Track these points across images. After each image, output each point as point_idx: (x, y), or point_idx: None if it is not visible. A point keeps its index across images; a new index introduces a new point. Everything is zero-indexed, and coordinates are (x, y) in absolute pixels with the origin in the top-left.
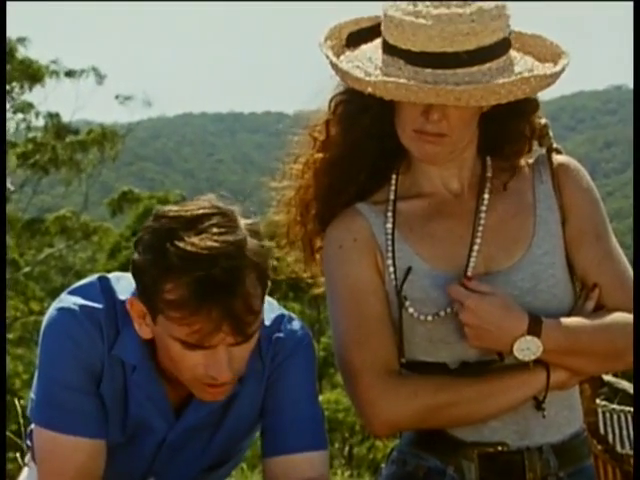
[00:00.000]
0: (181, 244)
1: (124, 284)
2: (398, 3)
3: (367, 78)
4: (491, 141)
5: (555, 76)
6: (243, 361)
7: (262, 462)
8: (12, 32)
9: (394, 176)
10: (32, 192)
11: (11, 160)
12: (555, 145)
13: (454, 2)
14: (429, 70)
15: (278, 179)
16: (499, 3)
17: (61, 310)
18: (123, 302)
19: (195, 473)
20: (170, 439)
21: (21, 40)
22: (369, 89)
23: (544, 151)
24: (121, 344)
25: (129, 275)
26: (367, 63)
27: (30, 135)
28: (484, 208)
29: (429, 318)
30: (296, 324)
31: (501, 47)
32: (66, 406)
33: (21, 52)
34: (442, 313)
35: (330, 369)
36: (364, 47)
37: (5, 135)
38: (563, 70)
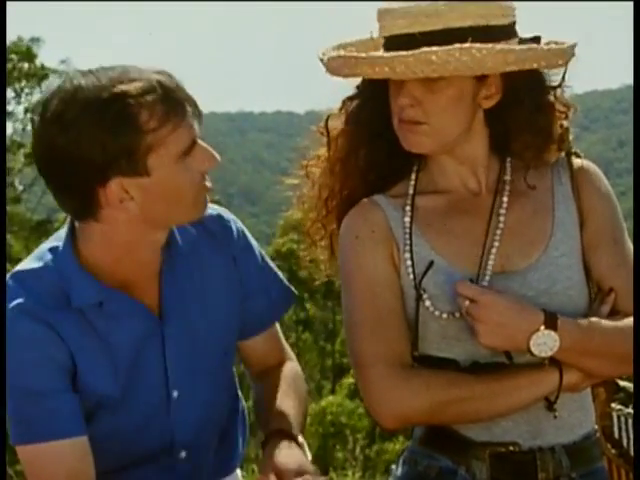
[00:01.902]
0: (117, 85)
1: (28, 261)
2: None
3: (323, 57)
4: (504, 139)
5: (510, 53)
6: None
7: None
8: (26, 32)
9: (414, 171)
10: (41, 192)
11: (18, 160)
12: (574, 149)
13: None
14: (394, 52)
15: (292, 177)
16: None
17: (7, 326)
18: (36, 270)
19: (209, 366)
20: (167, 334)
21: (34, 40)
22: (325, 69)
23: (563, 154)
24: (75, 296)
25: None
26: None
27: None
28: (503, 211)
29: (444, 315)
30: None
31: (481, 34)
32: (38, 414)
33: (34, 52)
34: (457, 314)
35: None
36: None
37: (5, 135)
38: (529, 54)
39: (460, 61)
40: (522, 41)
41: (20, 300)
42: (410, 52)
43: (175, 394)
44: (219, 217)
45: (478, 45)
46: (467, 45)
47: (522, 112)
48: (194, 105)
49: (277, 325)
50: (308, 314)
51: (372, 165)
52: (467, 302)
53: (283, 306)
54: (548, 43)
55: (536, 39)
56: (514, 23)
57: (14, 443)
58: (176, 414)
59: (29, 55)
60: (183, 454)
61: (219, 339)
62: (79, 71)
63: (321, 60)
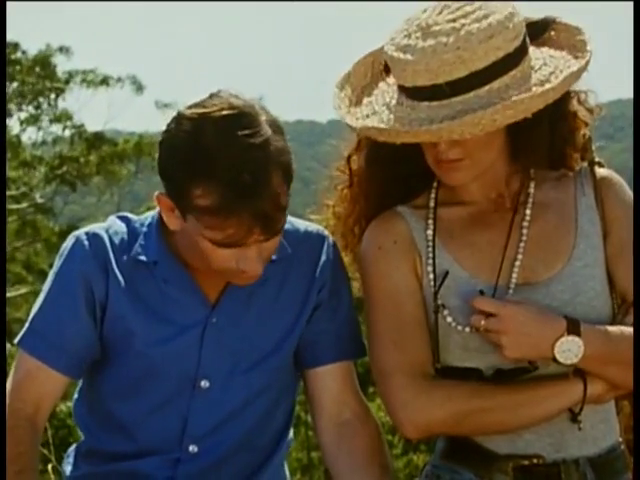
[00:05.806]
0: (207, 149)
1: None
2: (394, 35)
3: (353, 123)
4: (526, 150)
5: (549, 92)
6: (272, 251)
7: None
8: (55, 41)
9: (435, 182)
10: (63, 203)
11: (39, 175)
12: (597, 159)
13: (443, 29)
14: (425, 103)
15: (317, 210)
16: (493, 21)
17: (72, 243)
18: (135, 221)
19: (244, 367)
20: (213, 321)
21: (64, 49)
22: (355, 135)
23: (586, 164)
24: (139, 246)
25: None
26: (380, 98)
27: (57, 148)
28: (526, 224)
29: (467, 329)
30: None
31: (502, 66)
32: (47, 333)
33: (62, 61)
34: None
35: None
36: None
37: (5, 136)
38: (565, 83)
39: (504, 115)
40: (534, 31)
41: (96, 231)
42: (455, 122)
43: (205, 384)
44: (330, 244)
45: (519, 97)
46: (509, 102)
47: (544, 122)
48: (269, 218)
49: (354, 373)
50: None
51: (392, 200)
52: (483, 319)
53: (357, 350)
54: (557, 25)
55: (544, 24)
56: (525, 38)
57: (18, 342)
58: (198, 404)
59: (49, 66)
60: (194, 448)
61: (269, 343)
62: (199, 106)
63: (348, 124)
